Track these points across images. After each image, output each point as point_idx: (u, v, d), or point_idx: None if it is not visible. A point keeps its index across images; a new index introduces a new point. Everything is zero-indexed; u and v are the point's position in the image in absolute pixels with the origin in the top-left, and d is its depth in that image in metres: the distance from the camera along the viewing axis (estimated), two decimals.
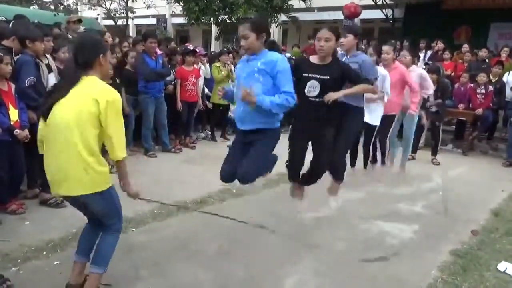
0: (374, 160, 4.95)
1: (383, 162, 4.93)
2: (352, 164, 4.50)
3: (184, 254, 2.99)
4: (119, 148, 2.13)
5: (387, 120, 4.52)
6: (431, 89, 5.29)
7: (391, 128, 4.69)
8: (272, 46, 2.84)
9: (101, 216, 2.28)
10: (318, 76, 2.99)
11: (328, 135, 3.13)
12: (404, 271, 2.93)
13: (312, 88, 2.99)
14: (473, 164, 6.28)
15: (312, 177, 3.33)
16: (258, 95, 2.57)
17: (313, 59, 3.13)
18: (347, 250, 3.21)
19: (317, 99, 2.99)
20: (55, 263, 2.74)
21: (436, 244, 3.39)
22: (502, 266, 3.03)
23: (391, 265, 3.01)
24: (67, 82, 2.18)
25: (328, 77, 2.97)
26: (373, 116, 4.05)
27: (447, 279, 2.84)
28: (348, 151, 4.02)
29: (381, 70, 4.13)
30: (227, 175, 2.85)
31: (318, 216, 3.78)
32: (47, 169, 2.20)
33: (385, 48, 4.58)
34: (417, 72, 5.10)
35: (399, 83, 4.46)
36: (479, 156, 7.00)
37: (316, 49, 3.05)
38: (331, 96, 2.90)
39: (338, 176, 3.68)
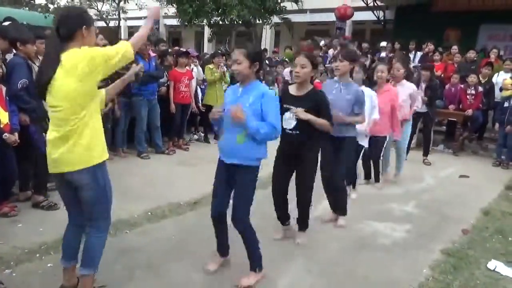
0: (367, 176, 5.02)
1: (378, 180, 4.99)
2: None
3: (178, 255, 3.00)
4: (122, 46, 2.13)
5: (378, 142, 4.59)
6: (420, 103, 5.48)
7: (383, 149, 4.75)
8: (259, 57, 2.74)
9: (91, 206, 2.22)
10: (293, 108, 2.97)
11: (309, 166, 3.10)
12: (396, 270, 2.97)
13: (289, 120, 2.98)
14: (464, 164, 6.37)
15: (300, 208, 3.27)
16: (248, 117, 2.47)
17: (292, 89, 3.12)
18: (340, 250, 3.25)
19: (294, 132, 2.97)
20: (49, 265, 2.73)
21: (428, 243, 3.44)
22: (492, 264, 3.09)
23: (383, 265, 3.05)
24: (49, 60, 2.10)
25: (303, 108, 2.94)
26: (360, 137, 4.08)
27: (438, 277, 2.88)
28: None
29: (368, 91, 4.10)
30: (216, 213, 2.73)
31: (311, 216, 3.80)
32: (48, 148, 2.20)
33: (379, 67, 4.63)
34: (408, 88, 5.13)
35: (388, 105, 4.49)
36: (470, 156, 7.11)
37: (293, 75, 3.10)
38: (300, 113, 2.88)
39: (340, 206, 3.70)
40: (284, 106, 3.02)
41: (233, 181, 2.65)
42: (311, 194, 3.22)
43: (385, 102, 4.45)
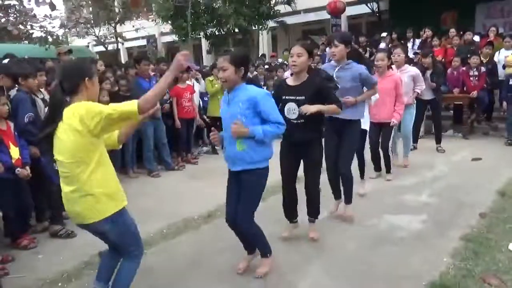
0: (378, 168, 4.98)
1: (389, 172, 4.94)
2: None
3: (197, 271, 3.01)
4: (130, 108, 2.04)
5: (385, 131, 4.55)
6: (423, 84, 5.38)
7: (392, 136, 4.71)
8: (250, 81, 2.80)
9: (118, 243, 2.29)
10: (294, 98, 3.00)
11: (314, 153, 3.14)
12: (416, 262, 2.95)
13: (292, 111, 3.01)
14: (475, 147, 6.29)
15: (311, 203, 3.31)
16: (249, 126, 2.53)
17: (289, 80, 3.13)
18: (358, 248, 3.23)
19: (298, 121, 3.00)
20: None
21: (446, 231, 3.41)
22: None
23: (402, 258, 3.03)
24: (52, 113, 2.12)
25: (304, 97, 2.97)
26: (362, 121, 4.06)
27: (459, 265, 2.85)
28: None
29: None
30: (229, 219, 2.79)
31: (325, 217, 3.80)
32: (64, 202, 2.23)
33: (379, 55, 4.60)
34: (410, 72, 5.14)
35: (392, 91, 4.47)
36: (481, 138, 7.02)
37: (289, 65, 3.10)
38: (307, 108, 2.89)
39: (346, 192, 3.69)
40: (283, 97, 3.06)
41: (241, 186, 2.70)
42: (319, 182, 3.25)
43: (389, 87, 4.42)
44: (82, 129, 2.02)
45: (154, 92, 2.12)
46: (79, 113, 2.02)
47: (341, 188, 3.76)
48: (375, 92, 3.68)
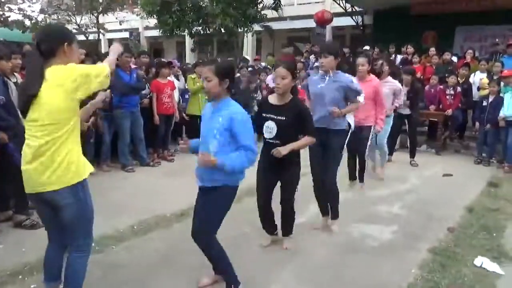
0: (353, 177, 5.04)
1: (361, 180, 4.99)
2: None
3: (167, 268, 2.95)
4: (101, 69, 2.15)
5: (363, 132, 4.58)
6: (402, 101, 5.50)
7: (370, 139, 4.77)
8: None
9: (71, 225, 2.16)
10: (275, 117, 2.98)
11: (290, 174, 3.10)
12: (385, 272, 2.99)
13: (269, 129, 2.99)
14: (447, 163, 6.48)
15: (285, 218, 3.28)
16: (218, 157, 2.37)
17: (272, 99, 3.11)
18: (329, 255, 3.25)
19: (274, 141, 2.97)
20: (32, 286, 2.66)
21: (415, 243, 3.47)
22: (478, 261, 3.13)
23: (372, 267, 3.06)
24: (33, 76, 2.04)
25: (284, 118, 2.95)
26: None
27: (427, 276, 2.91)
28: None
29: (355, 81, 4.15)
30: (193, 235, 2.61)
31: (298, 222, 3.80)
32: (23, 168, 2.12)
33: (360, 60, 4.64)
34: (392, 84, 5.24)
35: (372, 96, 4.51)
36: (452, 155, 7.24)
37: (274, 87, 3.08)
38: (279, 152, 2.85)
39: (333, 207, 3.70)
40: (263, 115, 3.03)
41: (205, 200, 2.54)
42: (293, 203, 3.21)
43: (368, 91, 4.43)
44: (75, 88, 2.02)
45: (109, 61, 2.30)
46: (72, 73, 2.01)
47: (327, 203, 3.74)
48: (357, 106, 3.69)
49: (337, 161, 3.62)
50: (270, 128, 2.99)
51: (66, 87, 2.00)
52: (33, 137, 2.05)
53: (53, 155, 2.03)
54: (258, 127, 3.03)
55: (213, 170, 2.40)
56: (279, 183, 3.19)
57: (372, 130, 4.69)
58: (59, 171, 2.05)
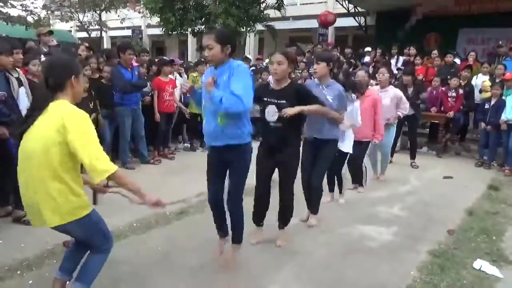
0: (357, 181, 5.00)
1: (361, 185, 4.97)
2: (331, 189, 4.53)
3: (165, 266, 2.95)
4: (98, 168, 1.96)
5: (361, 146, 4.57)
6: (407, 104, 5.38)
7: (366, 153, 4.78)
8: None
9: (86, 240, 2.24)
10: (275, 101, 3.03)
11: (290, 160, 3.15)
12: (384, 273, 2.98)
13: (271, 113, 3.04)
14: (448, 165, 6.46)
15: (283, 210, 3.31)
16: (216, 89, 2.53)
17: (273, 84, 3.20)
18: (328, 255, 3.24)
19: (276, 124, 3.03)
20: (30, 282, 2.66)
21: (414, 245, 3.46)
22: (478, 264, 3.12)
23: (371, 268, 3.05)
24: (35, 107, 2.09)
25: (285, 101, 3.00)
26: (345, 143, 4.09)
27: (425, 279, 2.90)
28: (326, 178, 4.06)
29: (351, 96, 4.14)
30: (212, 199, 2.85)
31: (298, 222, 3.80)
32: (22, 198, 2.13)
33: (359, 73, 4.66)
34: (393, 92, 5.22)
35: (370, 111, 4.52)
36: (453, 157, 7.22)
37: (271, 72, 3.15)
38: (287, 111, 2.91)
39: (313, 203, 3.77)
40: (264, 99, 3.07)
41: (226, 164, 2.71)
42: (293, 190, 3.27)
43: (367, 107, 4.48)
44: (61, 136, 1.97)
45: (131, 186, 2.15)
46: (70, 123, 1.96)
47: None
48: (342, 118, 3.67)
49: (325, 164, 3.67)
50: (272, 112, 3.04)
51: (62, 133, 1.96)
52: (27, 170, 2.04)
53: (48, 190, 2.00)
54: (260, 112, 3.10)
55: (224, 128, 2.57)
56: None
57: (370, 144, 4.69)
58: (59, 207, 2.02)
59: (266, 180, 3.22)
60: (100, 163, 1.98)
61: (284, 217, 3.35)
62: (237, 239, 2.96)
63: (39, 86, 2.16)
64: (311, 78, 7.36)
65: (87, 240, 2.24)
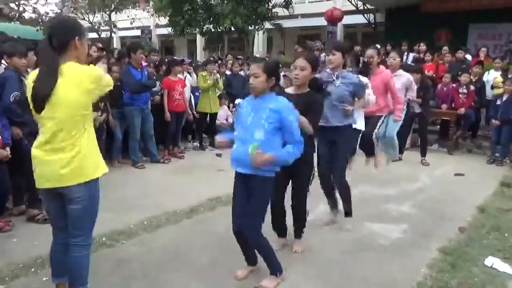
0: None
1: (369, 156, 4.86)
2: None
3: (175, 264, 2.98)
4: (110, 81, 2.25)
5: (372, 120, 4.50)
6: (414, 93, 5.38)
7: (377, 127, 4.66)
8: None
9: (78, 220, 2.17)
10: None
11: (303, 170, 3.05)
12: (394, 271, 2.97)
13: None
14: (459, 163, 6.40)
15: (297, 222, 3.25)
16: (271, 152, 2.46)
17: (289, 90, 3.06)
18: (337, 253, 3.24)
19: None
20: (44, 279, 2.70)
21: (425, 243, 3.44)
22: (489, 261, 3.09)
23: (381, 265, 3.05)
24: (46, 70, 2.04)
25: (299, 110, 2.82)
26: (357, 122, 4.05)
27: (436, 276, 2.88)
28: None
29: (362, 79, 4.12)
30: (236, 228, 2.67)
31: (307, 219, 3.80)
32: (37, 163, 2.14)
33: (369, 52, 4.58)
34: (405, 76, 5.17)
35: (382, 87, 4.48)
36: (464, 154, 7.14)
37: (292, 77, 3.07)
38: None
39: (344, 202, 3.69)
40: None
41: (248, 192, 2.61)
42: (306, 202, 3.20)
43: (378, 84, 4.42)
44: (93, 89, 2.08)
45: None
46: (91, 74, 2.07)
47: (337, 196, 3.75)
48: (365, 104, 3.66)
49: (344, 158, 3.61)
50: None
51: (85, 86, 2.05)
52: (49, 132, 2.06)
53: (70, 151, 2.06)
54: None
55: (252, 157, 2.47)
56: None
57: (382, 118, 4.62)
58: (76, 166, 2.07)
59: (279, 193, 3.07)
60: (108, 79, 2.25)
61: (299, 228, 3.28)
62: (275, 271, 2.72)
63: (43, 48, 2.14)
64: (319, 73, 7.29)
65: (80, 220, 2.17)
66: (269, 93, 2.56)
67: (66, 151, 2.06)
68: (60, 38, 2.06)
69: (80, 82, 2.03)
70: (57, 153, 2.06)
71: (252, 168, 2.51)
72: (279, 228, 3.27)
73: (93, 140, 2.19)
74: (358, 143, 4.37)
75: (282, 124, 2.49)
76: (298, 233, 3.31)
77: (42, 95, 2.01)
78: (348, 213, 3.71)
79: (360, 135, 4.36)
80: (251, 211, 2.59)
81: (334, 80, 3.47)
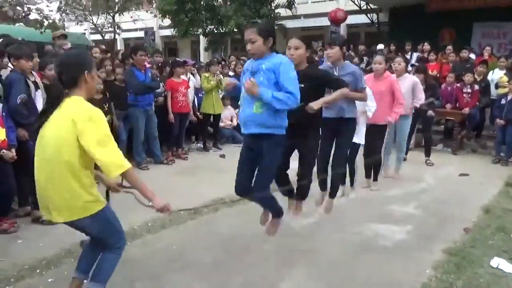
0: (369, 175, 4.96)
1: (375, 179, 4.93)
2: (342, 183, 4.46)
3: (179, 265, 2.98)
4: (112, 166, 2.00)
5: (378, 131, 4.50)
6: (422, 98, 5.27)
7: (384, 139, 4.70)
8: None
9: (99, 237, 2.26)
10: None
11: (310, 138, 3.13)
12: (398, 272, 2.96)
13: None
14: (463, 163, 6.36)
15: (301, 181, 3.27)
16: (260, 87, 2.55)
17: None
18: (341, 254, 3.23)
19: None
20: (49, 280, 2.72)
21: (429, 244, 3.42)
22: (495, 262, 3.07)
23: (385, 266, 3.04)
24: (49, 104, 2.11)
25: (303, 85, 2.91)
26: (358, 135, 4.04)
27: (441, 277, 2.87)
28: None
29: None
30: (240, 188, 2.82)
31: (311, 220, 3.80)
32: (37, 193, 2.17)
33: (377, 58, 4.60)
34: (410, 80, 5.15)
35: (388, 93, 4.46)
36: (469, 154, 7.10)
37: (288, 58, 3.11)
38: (312, 106, 2.87)
39: (333, 185, 3.74)
40: None
41: (256, 155, 2.70)
42: (312, 172, 3.26)
43: (385, 89, 4.42)
44: (71, 134, 1.99)
45: (142, 186, 2.16)
46: (84, 119, 1.99)
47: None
48: (365, 97, 3.65)
49: (347, 145, 3.65)
50: None
51: (74, 128, 1.98)
52: (42, 165, 2.08)
53: (63, 185, 2.03)
54: None
55: (259, 116, 2.57)
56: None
57: (387, 129, 4.62)
58: (70, 202, 2.06)
59: (283, 161, 3.10)
60: (115, 158, 2.02)
61: (302, 193, 3.34)
62: (274, 215, 3.00)
63: (54, 84, 2.18)
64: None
65: (101, 237, 2.25)
66: (268, 54, 2.61)
67: (58, 186, 2.05)
68: (69, 74, 2.09)
69: (75, 123, 1.99)
70: (51, 187, 2.06)
71: (261, 127, 2.59)
72: (286, 190, 3.34)
73: (87, 176, 2.12)
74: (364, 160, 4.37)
75: (278, 75, 2.55)
76: (300, 197, 3.37)
77: (39, 125, 2.09)
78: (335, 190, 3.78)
79: (367, 150, 4.35)
80: (261, 173, 2.67)
81: (334, 71, 3.49)
